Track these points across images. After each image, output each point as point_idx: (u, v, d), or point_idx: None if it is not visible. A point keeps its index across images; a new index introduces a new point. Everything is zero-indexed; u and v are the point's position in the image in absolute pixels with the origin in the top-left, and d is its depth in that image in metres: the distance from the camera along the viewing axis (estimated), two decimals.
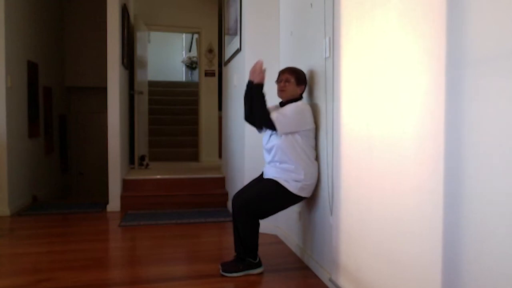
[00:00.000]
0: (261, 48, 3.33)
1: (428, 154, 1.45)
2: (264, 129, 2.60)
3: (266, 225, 3.10)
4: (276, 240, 3.18)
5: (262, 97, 2.47)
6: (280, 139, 2.45)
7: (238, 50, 3.70)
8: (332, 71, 2.25)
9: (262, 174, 2.69)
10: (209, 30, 6.32)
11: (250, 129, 3.33)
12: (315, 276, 2.46)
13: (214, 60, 6.36)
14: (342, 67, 2.13)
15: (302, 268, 2.62)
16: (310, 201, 2.62)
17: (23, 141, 4.49)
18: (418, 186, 1.50)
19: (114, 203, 4.25)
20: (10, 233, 3.48)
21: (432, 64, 1.43)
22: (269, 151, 2.55)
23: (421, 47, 1.50)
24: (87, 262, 2.69)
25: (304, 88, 2.59)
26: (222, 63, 4.98)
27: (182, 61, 9.81)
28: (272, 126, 2.42)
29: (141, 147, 5.55)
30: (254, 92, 2.48)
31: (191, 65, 9.34)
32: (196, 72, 9.01)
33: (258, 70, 2.49)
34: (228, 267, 2.46)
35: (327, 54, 2.32)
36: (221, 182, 4.73)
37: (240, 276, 2.43)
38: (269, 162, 2.57)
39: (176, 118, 7.35)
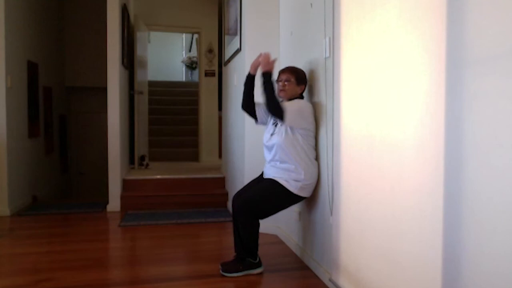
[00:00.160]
0: (261, 48, 3.31)
1: (428, 154, 1.45)
2: (259, 121, 2.62)
3: (266, 225, 3.10)
4: (276, 240, 3.18)
5: (272, 85, 2.48)
6: (281, 138, 2.45)
7: (238, 50, 3.70)
8: (332, 71, 2.25)
9: (262, 174, 2.69)
10: (209, 30, 6.32)
11: (250, 129, 3.34)
12: (315, 276, 2.46)
13: (214, 60, 6.36)
14: (342, 67, 2.13)
15: (302, 268, 2.62)
16: (310, 201, 2.62)
17: (23, 141, 4.49)
18: (418, 186, 1.50)
19: (114, 203, 4.25)
20: (10, 233, 3.47)
21: (433, 63, 1.43)
22: (270, 149, 2.55)
23: (421, 47, 1.50)
24: (87, 262, 2.69)
25: (305, 88, 2.59)
26: (222, 63, 4.98)
27: (182, 61, 9.80)
28: (280, 114, 2.40)
29: (141, 147, 5.55)
30: (266, 79, 2.48)
31: (191, 65, 9.33)
32: (196, 72, 9.00)
33: (266, 60, 2.51)
34: (228, 267, 2.46)
35: (327, 54, 2.32)
36: (221, 182, 4.73)
37: (240, 276, 2.43)
38: (270, 161, 2.57)
39: (176, 118, 7.34)
